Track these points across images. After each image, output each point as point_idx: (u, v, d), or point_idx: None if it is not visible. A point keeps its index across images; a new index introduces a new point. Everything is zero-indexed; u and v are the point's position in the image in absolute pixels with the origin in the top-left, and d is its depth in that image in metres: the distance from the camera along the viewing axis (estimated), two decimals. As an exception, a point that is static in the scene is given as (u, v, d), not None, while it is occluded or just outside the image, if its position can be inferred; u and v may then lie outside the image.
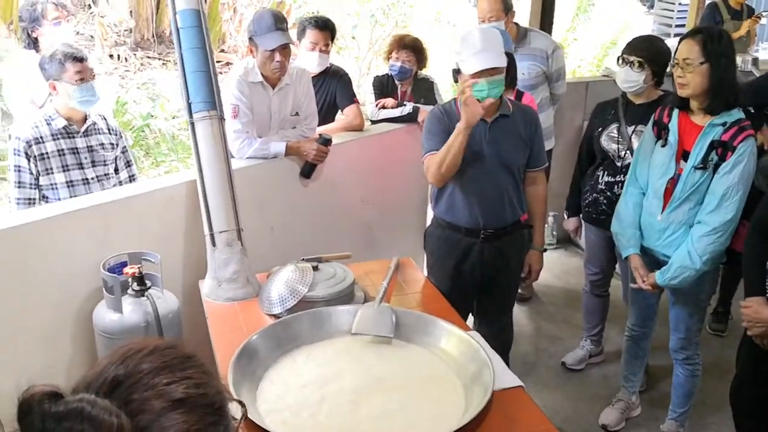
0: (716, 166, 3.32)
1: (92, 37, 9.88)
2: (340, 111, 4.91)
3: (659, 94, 3.97)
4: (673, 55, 3.42)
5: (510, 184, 3.64)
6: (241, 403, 1.36)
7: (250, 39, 4.10)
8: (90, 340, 3.50)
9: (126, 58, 10.04)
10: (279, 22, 4.01)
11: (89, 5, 10.18)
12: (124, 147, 4.11)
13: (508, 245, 3.74)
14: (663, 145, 3.51)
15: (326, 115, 4.84)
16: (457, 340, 2.73)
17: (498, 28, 4.22)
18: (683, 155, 3.42)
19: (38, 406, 1.08)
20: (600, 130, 4.19)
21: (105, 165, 3.94)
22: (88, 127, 3.88)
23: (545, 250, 3.94)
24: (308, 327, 2.85)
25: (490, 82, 3.35)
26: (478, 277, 3.76)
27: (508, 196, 3.65)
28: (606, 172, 4.19)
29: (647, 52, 3.87)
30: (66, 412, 1.08)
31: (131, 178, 4.13)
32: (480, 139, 3.51)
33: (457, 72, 3.51)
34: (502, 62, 3.40)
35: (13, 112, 4.66)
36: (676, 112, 3.49)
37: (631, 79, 3.92)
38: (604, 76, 6.58)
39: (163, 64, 10.18)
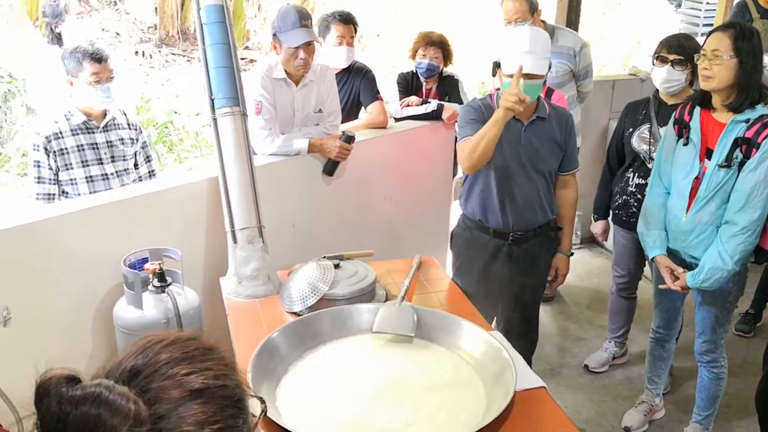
0: (741, 164, 3.26)
1: (117, 33, 9.91)
2: (363, 108, 4.89)
3: (691, 94, 3.90)
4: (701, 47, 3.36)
5: (542, 187, 3.60)
6: (261, 399, 1.34)
7: (274, 35, 4.09)
8: (110, 336, 3.50)
9: (151, 55, 10.07)
10: (303, 18, 4.00)
11: (115, 2, 10.21)
12: (144, 142, 4.12)
13: (537, 247, 3.70)
14: (685, 144, 3.45)
15: (350, 112, 4.83)
16: (478, 340, 2.70)
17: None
18: (707, 153, 3.37)
19: (55, 389, 1.09)
20: (631, 130, 4.13)
21: (124, 160, 3.95)
22: (107, 123, 3.88)
23: (572, 254, 3.89)
24: (329, 325, 2.83)
25: (526, 86, 3.26)
26: (506, 278, 3.71)
27: (540, 199, 3.61)
28: (636, 174, 4.14)
29: (689, 50, 3.80)
30: (83, 396, 1.07)
31: (151, 174, 4.14)
32: (515, 141, 3.47)
33: (497, 66, 3.44)
34: (544, 69, 3.34)
35: (36, 108, 4.68)
36: (697, 110, 3.43)
37: (674, 79, 3.86)
38: (630, 74, 6.52)
39: (187, 60, 10.21)
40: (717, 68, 3.21)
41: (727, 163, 3.27)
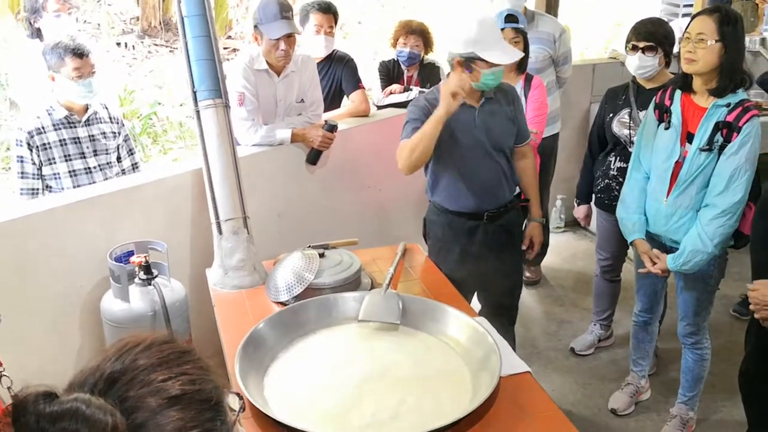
0: (721, 148, 3.28)
1: (99, 25, 9.86)
2: (346, 97, 4.90)
3: (670, 77, 3.93)
4: (684, 30, 3.37)
5: (504, 164, 3.64)
6: (239, 396, 1.36)
7: (255, 27, 4.09)
8: (98, 330, 3.51)
9: (133, 46, 10.03)
10: (284, 10, 4.01)
11: (96, -6, 10.17)
12: (126, 135, 4.13)
13: (510, 222, 3.76)
14: (666, 128, 3.47)
15: (332, 101, 4.85)
16: (464, 326, 2.72)
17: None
18: (688, 137, 3.40)
19: (33, 406, 1.08)
20: (611, 116, 4.16)
21: (107, 154, 3.96)
22: (89, 117, 3.89)
23: (545, 220, 3.93)
24: (315, 314, 2.85)
25: (494, 73, 3.36)
26: (486, 255, 3.74)
27: (504, 176, 3.65)
28: (618, 158, 4.16)
29: (658, 35, 3.85)
30: (60, 413, 1.08)
31: (134, 167, 4.14)
32: (470, 126, 3.50)
33: (470, 60, 3.41)
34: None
35: (19, 102, 4.66)
36: (677, 94, 3.45)
37: (646, 65, 3.91)
38: (611, 58, 6.55)
39: (170, 51, 10.17)
40: (701, 52, 3.22)
41: (708, 146, 3.29)
